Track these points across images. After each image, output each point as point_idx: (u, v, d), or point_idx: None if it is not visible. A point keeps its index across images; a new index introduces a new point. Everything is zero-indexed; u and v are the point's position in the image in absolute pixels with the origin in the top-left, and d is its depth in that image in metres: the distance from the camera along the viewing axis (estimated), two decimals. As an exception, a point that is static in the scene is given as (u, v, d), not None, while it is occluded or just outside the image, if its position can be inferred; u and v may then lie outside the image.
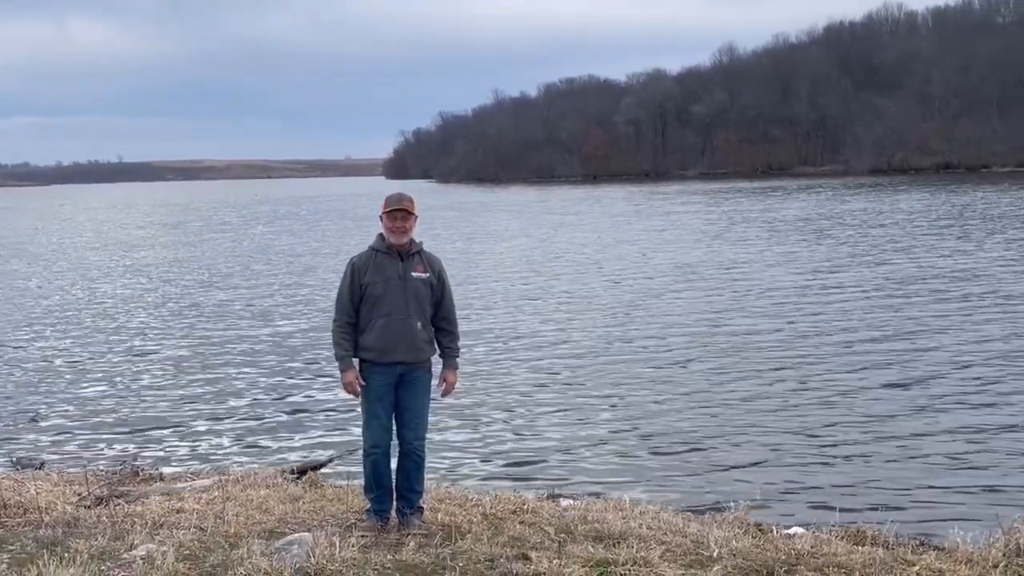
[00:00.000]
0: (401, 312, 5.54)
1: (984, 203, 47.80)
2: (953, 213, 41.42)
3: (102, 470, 8.37)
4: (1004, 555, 5.47)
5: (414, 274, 5.61)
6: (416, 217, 5.69)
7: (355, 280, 5.59)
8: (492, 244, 35.51)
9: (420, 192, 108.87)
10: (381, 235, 5.69)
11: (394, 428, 5.75)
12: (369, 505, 5.86)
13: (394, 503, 5.83)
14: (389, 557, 5.03)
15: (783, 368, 13.05)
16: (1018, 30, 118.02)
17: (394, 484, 5.80)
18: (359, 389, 5.63)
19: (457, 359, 5.86)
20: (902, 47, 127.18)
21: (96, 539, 5.27)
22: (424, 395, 5.75)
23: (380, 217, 5.67)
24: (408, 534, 5.50)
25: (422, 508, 5.87)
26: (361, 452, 5.80)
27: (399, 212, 5.59)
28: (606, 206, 56.03)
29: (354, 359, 5.66)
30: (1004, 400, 10.90)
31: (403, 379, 5.64)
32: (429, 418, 5.91)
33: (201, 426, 11.13)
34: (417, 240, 5.75)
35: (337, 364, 5.69)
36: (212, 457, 9.81)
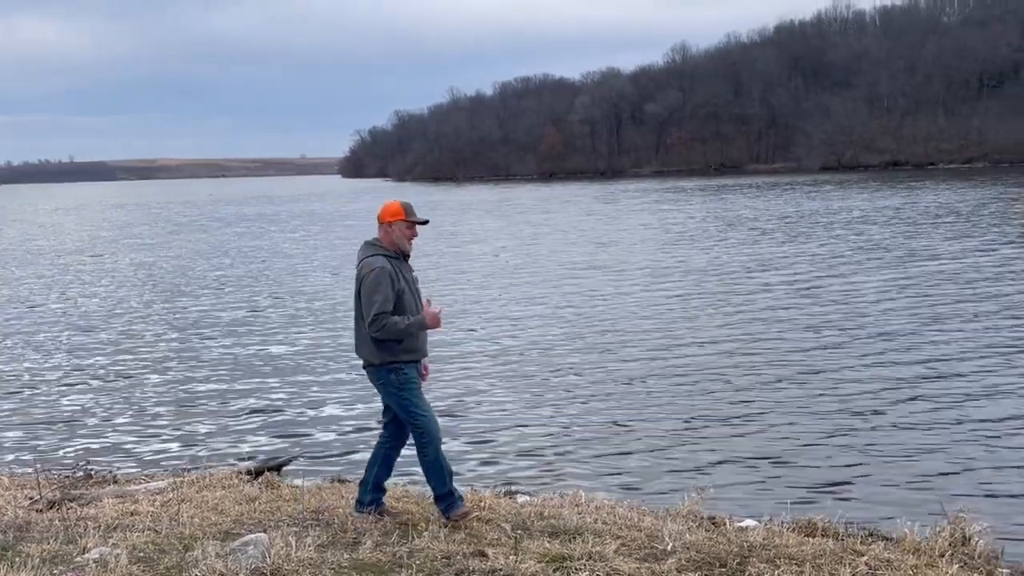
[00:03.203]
0: (418, 313, 5.70)
1: (942, 199, 48.72)
2: (930, 211, 42.12)
3: (54, 473, 8.25)
4: (950, 544, 5.62)
5: (414, 274, 5.86)
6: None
7: (393, 287, 5.58)
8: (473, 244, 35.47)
9: (378, 191, 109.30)
10: (376, 242, 5.74)
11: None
12: (449, 494, 5.80)
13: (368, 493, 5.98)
14: (346, 556, 5.04)
15: (735, 364, 13.21)
16: (963, 30, 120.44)
17: (373, 475, 5.97)
18: (438, 310, 5.73)
19: None
20: (851, 47, 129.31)
21: (48, 543, 5.21)
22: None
23: (389, 224, 5.69)
24: (364, 532, 5.52)
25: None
26: (431, 447, 5.71)
27: (417, 224, 5.78)
28: (577, 205, 56.05)
29: (398, 359, 5.67)
30: (951, 394, 11.13)
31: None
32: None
33: (156, 428, 11.01)
34: None
35: (417, 327, 5.63)
36: (167, 459, 9.72)
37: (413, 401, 5.69)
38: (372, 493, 5.96)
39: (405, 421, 5.76)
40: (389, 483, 6.17)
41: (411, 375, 5.69)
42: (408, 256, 5.82)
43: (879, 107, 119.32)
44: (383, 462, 5.96)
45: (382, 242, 5.73)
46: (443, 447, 5.87)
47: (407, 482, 7.48)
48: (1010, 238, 27.92)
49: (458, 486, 6.03)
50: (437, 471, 5.73)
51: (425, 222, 5.88)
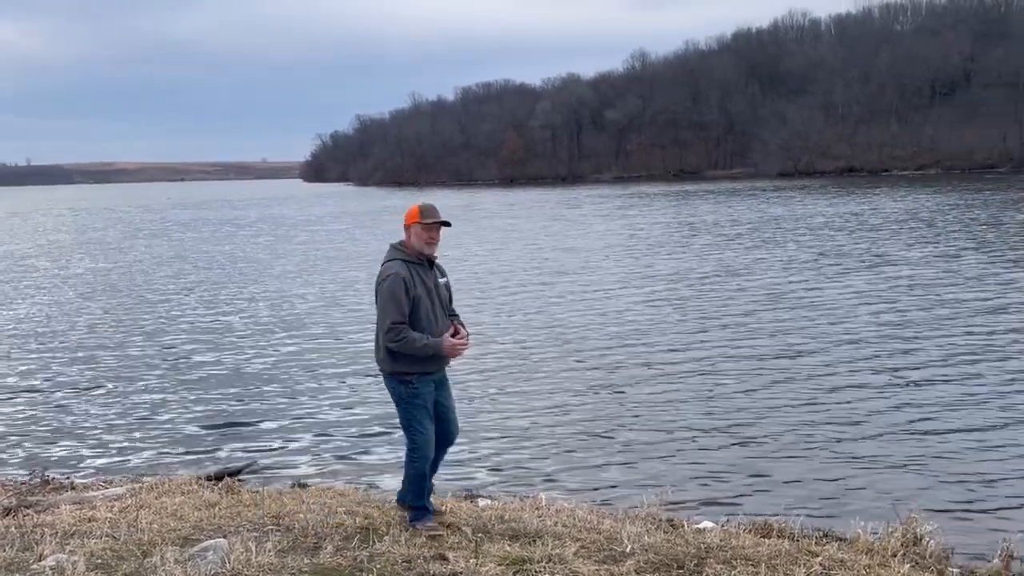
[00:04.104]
0: (440, 321, 5.57)
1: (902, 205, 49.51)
2: (894, 217, 42.69)
3: (10, 480, 8.14)
4: (902, 544, 5.75)
5: (440, 280, 5.71)
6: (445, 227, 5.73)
7: (408, 293, 5.47)
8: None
9: (340, 195, 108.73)
10: (400, 244, 5.63)
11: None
12: (414, 512, 5.80)
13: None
14: (306, 561, 5.04)
15: (694, 366, 13.34)
16: (915, 39, 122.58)
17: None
18: (461, 343, 5.59)
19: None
20: (807, 55, 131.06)
21: (4, 550, 5.16)
22: (450, 389, 5.95)
23: (407, 226, 5.60)
24: (325, 537, 5.51)
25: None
26: (419, 464, 5.68)
27: (435, 225, 5.59)
28: (541, 210, 56.11)
29: (411, 371, 5.58)
30: (904, 397, 11.32)
31: (439, 383, 5.76)
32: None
33: (115, 434, 10.87)
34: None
35: (433, 350, 5.50)
36: (126, 465, 9.62)
37: (416, 417, 5.60)
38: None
39: (404, 432, 5.71)
40: (347, 487, 6.17)
41: (420, 390, 5.58)
42: (431, 260, 5.65)
43: (834, 114, 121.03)
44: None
45: (405, 246, 5.61)
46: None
47: (367, 485, 7.48)
48: (973, 245, 28.35)
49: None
50: (418, 485, 5.73)
51: (444, 223, 5.63)
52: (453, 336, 5.59)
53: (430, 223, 5.56)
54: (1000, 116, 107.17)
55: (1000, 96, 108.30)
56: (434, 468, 5.93)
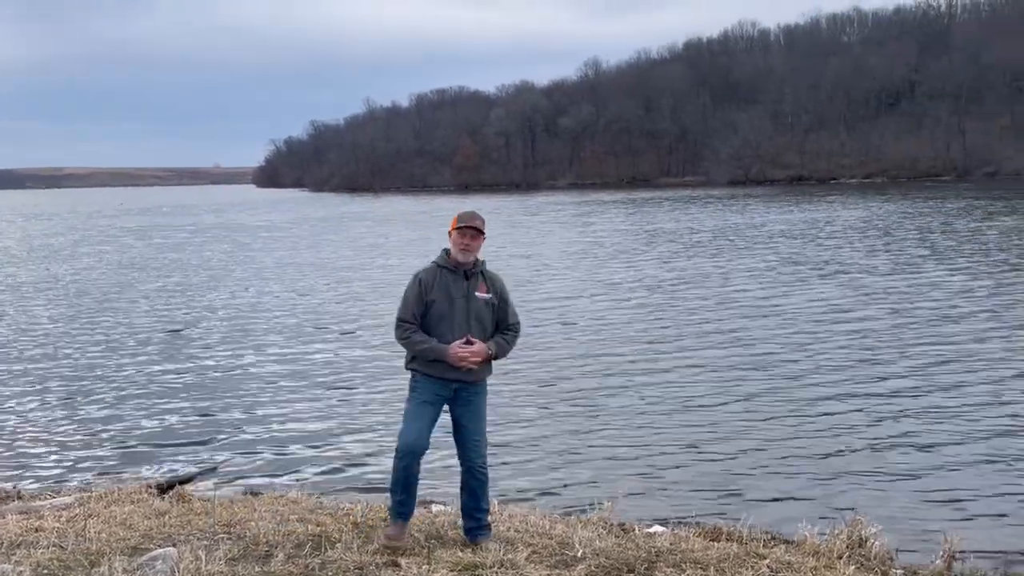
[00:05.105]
0: (463, 332, 5.40)
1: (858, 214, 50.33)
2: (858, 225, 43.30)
3: (-48, 491, 7.98)
4: (847, 546, 5.86)
5: (477, 294, 5.49)
6: (484, 236, 5.55)
7: (421, 295, 5.42)
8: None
9: (296, 201, 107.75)
10: (446, 250, 5.55)
11: (426, 442, 5.54)
12: (392, 508, 5.60)
13: (462, 522, 5.75)
14: (257, 569, 5.01)
15: (645, 372, 13.47)
16: (863, 49, 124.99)
17: (461, 504, 5.71)
18: (467, 352, 5.34)
19: (501, 348, 5.58)
20: (756, 64, 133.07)
21: (-53, 562, 5.06)
22: (482, 413, 5.64)
23: (448, 233, 5.53)
24: (277, 545, 5.49)
25: (490, 524, 5.76)
26: (395, 459, 5.48)
27: (469, 230, 5.45)
28: (499, 216, 56.09)
29: (416, 370, 5.48)
30: (852, 403, 11.52)
31: (459, 397, 5.51)
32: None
33: (63, 444, 10.70)
34: (480, 259, 5.59)
35: (434, 355, 5.36)
36: (75, 474, 9.48)
37: (408, 411, 5.49)
38: (464, 520, 5.77)
39: None
40: (300, 494, 6.13)
41: (420, 388, 5.47)
42: (467, 268, 5.48)
43: (784, 123, 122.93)
44: (462, 487, 5.69)
45: (449, 253, 5.54)
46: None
47: (319, 492, 7.45)
48: (930, 253, 28.83)
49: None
50: (394, 478, 5.52)
51: (472, 229, 5.46)
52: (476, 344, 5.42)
53: (463, 227, 5.46)
54: (944, 126, 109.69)
55: (944, 107, 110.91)
56: (471, 494, 5.65)
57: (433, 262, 5.57)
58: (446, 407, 5.56)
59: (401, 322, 5.46)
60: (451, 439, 5.63)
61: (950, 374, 12.77)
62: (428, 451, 5.49)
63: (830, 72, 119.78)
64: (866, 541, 5.96)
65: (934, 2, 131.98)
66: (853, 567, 5.52)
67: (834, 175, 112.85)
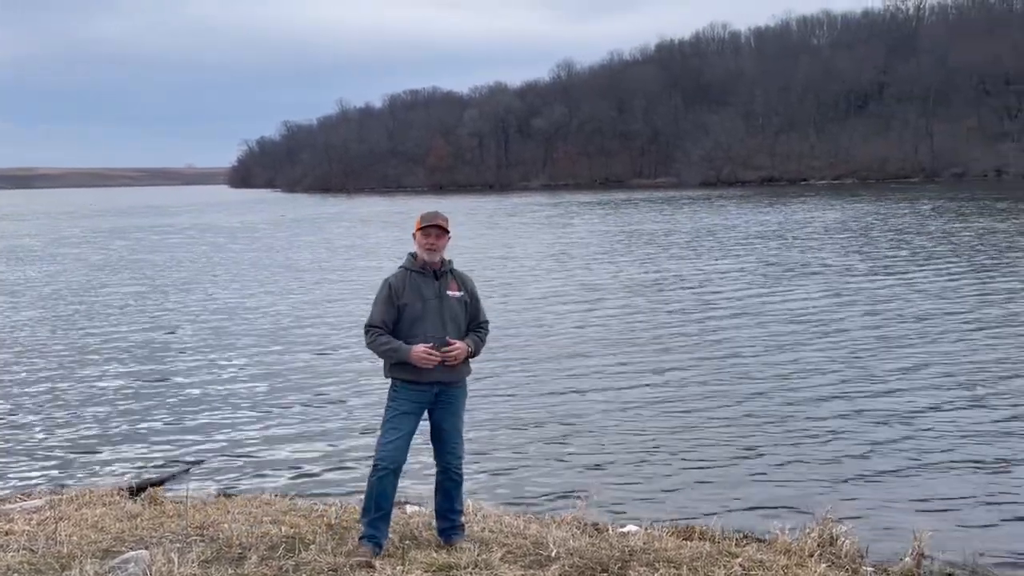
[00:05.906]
0: (439, 333, 5.35)
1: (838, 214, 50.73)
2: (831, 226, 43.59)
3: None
4: (818, 545, 5.93)
5: (449, 293, 5.47)
6: (449, 235, 5.52)
7: (392, 300, 5.39)
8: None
9: (270, 202, 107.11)
10: (412, 254, 5.53)
11: (409, 449, 5.53)
12: (362, 531, 5.46)
13: (435, 524, 5.74)
14: (230, 571, 4.99)
15: (619, 373, 13.51)
16: (832, 52, 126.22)
17: (435, 505, 5.69)
18: (434, 354, 5.26)
19: (477, 345, 5.59)
20: (727, 66, 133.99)
21: (-86, 567, 5.00)
22: (460, 414, 5.61)
23: (413, 235, 5.52)
24: (250, 547, 5.47)
25: (463, 525, 5.76)
26: (373, 472, 5.41)
27: (434, 228, 5.43)
28: (475, 218, 55.80)
29: (395, 376, 5.43)
30: (825, 403, 11.62)
31: (439, 400, 5.47)
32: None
33: (34, 446, 10.56)
34: (447, 259, 5.57)
35: (402, 358, 5.30)
36: (46, 477, 9.37)
37: (386, 420, 5.45)
38: (438, 521, 5.77)
39: None
40: (274, 496, 6.10)
41: (400, 397, 5.42)
42: (435, 268, 5.48)
43: (754, 125, 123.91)
44: (436, 488, 5.70)
45: (415, 256, 5.52)
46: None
47: (294, 494, 7.43)
48: (907, 253, 29.06)
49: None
50: (367, 494, 5.46)
51: (436, 227, 5.44)
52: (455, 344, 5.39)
53: (427, 226, 5.44)
54: (912, 128, 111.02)
55: (912, 109, 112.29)
56: (445, 495, 5.66)
57: (401, 266, 5.55)
58: (425, 415, 5.53)
59: (369, 327, 5.42)
60: (426, 439, 5.63)
61: (925, 375, 12.86)
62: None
63: (800, 74, 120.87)
64: (837, 539, 6.03)
65: (902, 5, 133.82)
66: (824, 565, 5.58)
67: (804, 176, 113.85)
